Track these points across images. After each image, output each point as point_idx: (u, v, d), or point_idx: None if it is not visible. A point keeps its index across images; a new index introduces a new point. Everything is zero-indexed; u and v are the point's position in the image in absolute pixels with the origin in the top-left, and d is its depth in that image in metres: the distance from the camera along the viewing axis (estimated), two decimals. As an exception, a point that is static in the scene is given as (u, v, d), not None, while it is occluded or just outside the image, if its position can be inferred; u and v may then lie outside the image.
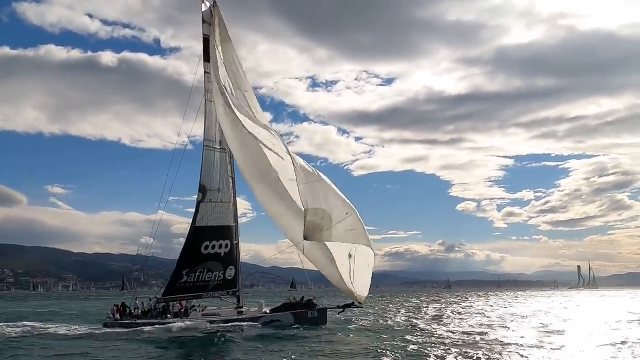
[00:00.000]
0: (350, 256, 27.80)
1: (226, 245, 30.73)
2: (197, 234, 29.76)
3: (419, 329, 27.16)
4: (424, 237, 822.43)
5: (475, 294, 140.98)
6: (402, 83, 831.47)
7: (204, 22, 31.83)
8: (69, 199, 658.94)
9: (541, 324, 30.35)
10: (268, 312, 30.26)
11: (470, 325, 28.96)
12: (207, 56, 31.20)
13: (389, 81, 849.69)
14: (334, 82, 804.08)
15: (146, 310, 30.52)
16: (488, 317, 36.22)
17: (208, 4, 32.25)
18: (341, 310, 31.43)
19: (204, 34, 31.73)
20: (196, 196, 30.37)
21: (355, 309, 34.39)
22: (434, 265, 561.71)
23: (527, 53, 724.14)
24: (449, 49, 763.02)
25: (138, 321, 28.93)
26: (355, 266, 28.02)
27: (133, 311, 30.84)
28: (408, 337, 22.80)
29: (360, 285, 29.05)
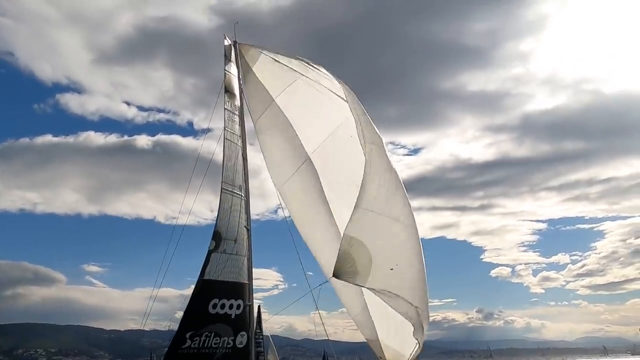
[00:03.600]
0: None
1: (238, 306, 25.85)
2: (205, 289, 24.97)
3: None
4: (459, 305, 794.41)
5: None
6: (428, 152, 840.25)
7: (226, 57, 29.20)
8: (105, 277, 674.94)
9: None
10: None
11: None
12: (227, 91, 28.23)
13: (415, 151, 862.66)
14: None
15: None
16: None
17: (228, 41, 29.69)
18: None
19: (225, 71, 28.94)
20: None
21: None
22: (472, 334, 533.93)
23: (553, 118, 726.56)
24: (474, 117, 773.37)
25: None
26: (396, 324, 22.33)
27: None
28: None
29: (401, 347, 23.34)
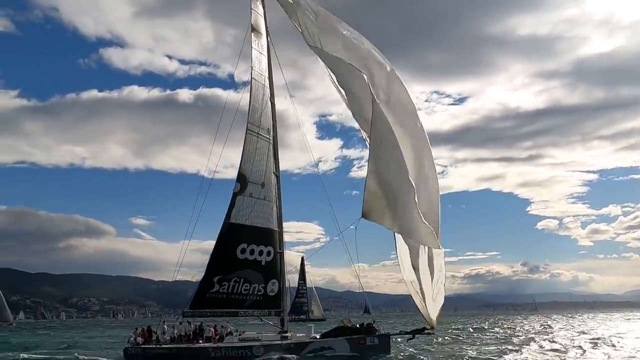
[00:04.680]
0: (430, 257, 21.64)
1: (268, 253, 25.29)
2: (232, 233, 24.38)
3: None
4: (504, 258, 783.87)
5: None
6: (474, 101, 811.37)
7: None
8: (152, 230, 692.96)
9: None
10: (318, 337, 24.67)
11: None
12: (254, 30, 26.90)
13: (460, 100, 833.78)
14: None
15: (175, 336, 25.21)
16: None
17: None
18: (410, 337, 25.32)
19: (252, 9, 27.42)
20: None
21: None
22: (516, 287, 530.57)
23: (609, 62, 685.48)
24: (524, 63, 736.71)
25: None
26: (435, 270, 21.75)
27: (160, 337, 25.28)
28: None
29: (434, 301, 22.72)
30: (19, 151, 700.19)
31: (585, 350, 24.52)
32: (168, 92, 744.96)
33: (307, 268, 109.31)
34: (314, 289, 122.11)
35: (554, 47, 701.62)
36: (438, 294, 23.24)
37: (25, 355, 27.88)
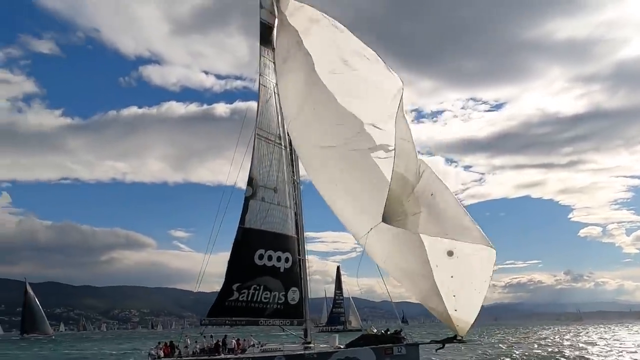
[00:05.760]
0: (450, 254, 20.34)
1: (286, 259, 24.77)
2: (248, 238, 23.97)
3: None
4: (545, 266, 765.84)
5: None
6: (512, 107, 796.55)
7: (261, 7, 27.14)
8: (190, 242, 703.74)
9: None
10: (342, 347, 23.85)
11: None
12: (264, 39, 26.70)
13: (497, 106, 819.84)
14: (439, 112, 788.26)
15: (197, 350, 24.36)
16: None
17: None
18: (439, 346, 24.22)
19: (261, 19, 27.01)
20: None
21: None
22: (560, 296, 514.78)
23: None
24: (562, 67, 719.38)
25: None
26: (458, 273, 20.45)
27: (182, 351, 24.62)
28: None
29: (464, 305, 21.48)
30: (64, 168, 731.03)
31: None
32: (205, 106, 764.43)
33: (343, 278, 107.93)
34: (351, 298, 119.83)
35: (593, 50, 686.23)
36: (464, 288, 21.61)
37: None
